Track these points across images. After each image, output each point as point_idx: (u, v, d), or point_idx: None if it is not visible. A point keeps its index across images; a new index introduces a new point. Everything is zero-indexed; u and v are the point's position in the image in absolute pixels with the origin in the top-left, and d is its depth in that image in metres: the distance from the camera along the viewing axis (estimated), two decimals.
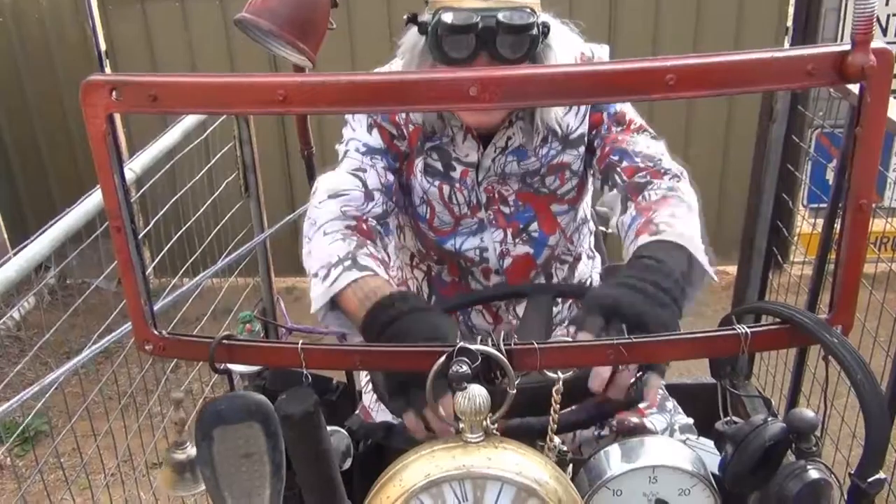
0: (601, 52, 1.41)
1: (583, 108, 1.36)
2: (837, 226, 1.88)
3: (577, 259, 1.58)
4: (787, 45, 3.85)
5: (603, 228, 2.09)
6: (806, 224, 2.95)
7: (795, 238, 3.08)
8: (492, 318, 1.54)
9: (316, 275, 1.19)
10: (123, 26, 4.12)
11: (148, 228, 1.99)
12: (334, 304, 1.15)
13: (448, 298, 1.51)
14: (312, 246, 1.26)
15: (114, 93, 0.81)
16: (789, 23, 3.87)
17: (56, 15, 4.07)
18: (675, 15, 3.98)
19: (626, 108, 1.39)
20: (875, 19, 0.77)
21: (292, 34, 1.49)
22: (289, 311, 3.01)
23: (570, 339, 0.94)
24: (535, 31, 1.19)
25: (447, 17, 1.17)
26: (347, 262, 1.16)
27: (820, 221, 3.19)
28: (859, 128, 0.78)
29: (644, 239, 1.12)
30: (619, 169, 1.31)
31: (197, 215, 2.30)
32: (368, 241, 1.24)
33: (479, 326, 1.55)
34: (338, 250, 1.20)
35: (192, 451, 0.98)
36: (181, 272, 2.31)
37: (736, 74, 0.76)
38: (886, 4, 3.82)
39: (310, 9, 1.52)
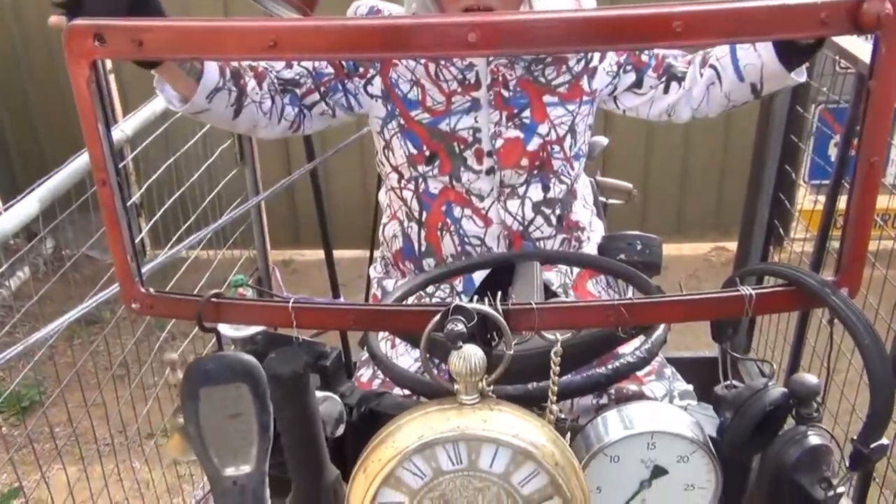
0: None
1: None
2: (840, 202, 1.87)
3: (573, 192, 1.59)
4: None
5: (604, 199, 2.07)
6: (807, 201, 2.94)
7: (797, 214, 3.06)
8: (482, 222, 1.53)
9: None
10: None
11: (140, 192, 1.96)
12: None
13: (436, 269, 1.49)
14: None
15: (98, 38, 0.77)
16: None
17: None
18: None
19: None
20: None
21: None
22: (285, 284, 3.00)
23: (568, 300, 0.92)
24: None
25: None
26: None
27: (821, 199, 3.19)
28: (873, 81, 0.75)
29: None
30: (676, 65, 1.52)
31: (191, 181, 2.27)
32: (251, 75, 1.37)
33: (470, 233, 1.54)
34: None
35: None
36: (174, 239, 2.29)
37: (746, 22, 0.73)
38: None
39: None
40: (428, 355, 0.82)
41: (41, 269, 3.83)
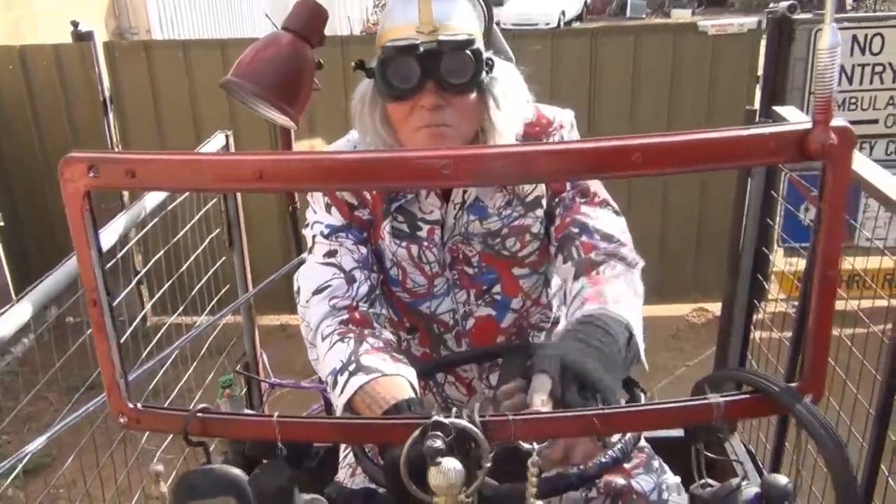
0: (564, 116, 1.40)
1: None
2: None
3: (557, 325, 1.55)
4: (758, 93, 3.93)
5: None
6: (780, 263, 3.01)
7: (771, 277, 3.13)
8: (465, 390, 1.53)
9: (327, 382, 1.22)
10: (128, 73, 4.27)
11: (144, 270, 2.08)
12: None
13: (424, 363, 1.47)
14: (318, 352, 1.29)
15: (92, 170, 0.82)
16: (760, 72, 3.99)
17: (64, 61, 4.21)
18: (653, 67, 4.10)
19: (592, 180, 1.37)
20: (834, 98, 0.79)
21: (277, 97, 1.51)
22: (282, 349, 3.02)
23: (544, 411, 0.94)
24: (476, 48, 1.22)
25: (390, 43, 1.21)
26: (351, 367, 1.19)
27: (794, 259, 3.26)
28: (823, 203, 0.80)
29: (592, 306, 1.14)
30: (577, 242, 1.30)
31: (188, 263, 2.39)
32: (366, 331, 1.27)
33: (452, 398, 1.54)
34: (339, 355, 1.22)
35: None
36: (176, 314, 2.39)
37: (701, 153, 0.78)
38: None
39: (295, 72, 1.55)
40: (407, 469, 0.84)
41: (44, 337, 3.84)
